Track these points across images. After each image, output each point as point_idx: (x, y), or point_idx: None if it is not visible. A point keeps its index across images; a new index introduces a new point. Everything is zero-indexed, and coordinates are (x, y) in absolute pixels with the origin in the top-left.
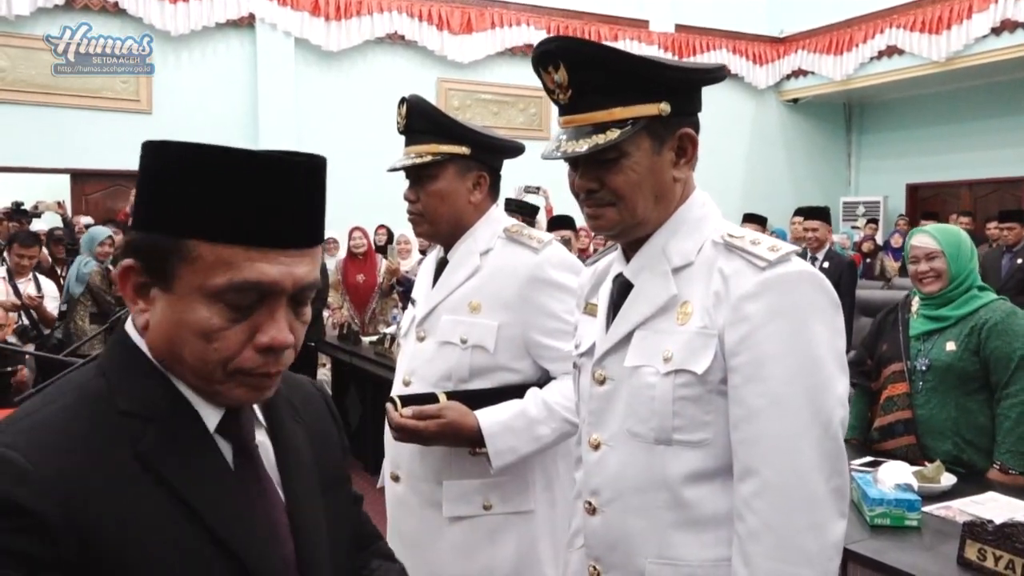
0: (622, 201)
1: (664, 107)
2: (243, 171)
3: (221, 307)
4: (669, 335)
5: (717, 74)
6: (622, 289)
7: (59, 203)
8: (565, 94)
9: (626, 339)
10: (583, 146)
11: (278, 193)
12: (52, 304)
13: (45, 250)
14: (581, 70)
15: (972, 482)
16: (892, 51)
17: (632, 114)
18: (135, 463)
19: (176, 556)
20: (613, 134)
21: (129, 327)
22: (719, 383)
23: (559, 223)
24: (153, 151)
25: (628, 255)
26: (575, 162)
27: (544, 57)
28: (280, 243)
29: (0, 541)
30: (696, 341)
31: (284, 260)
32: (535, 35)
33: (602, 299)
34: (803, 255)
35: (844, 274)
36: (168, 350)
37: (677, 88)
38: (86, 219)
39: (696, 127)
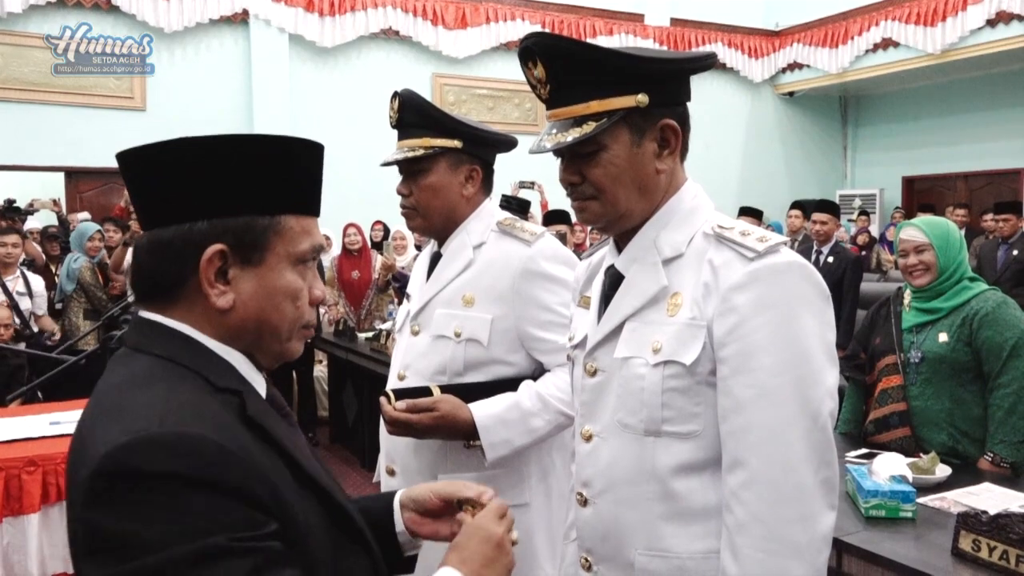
0: (603, 194)
1: (642, 98)
2: (309, 154)
3: (300, 269)
4: (659, 326)
5: (700, 62)
6: (613, 281)
7: (54, 201)
8: (545, 89)
9: (617, 330)
10: (562, 140)
11: (319, 170)
12: (40, 301)
13: (38, 247)
14: (557, 65)
15: (967, 473)
16: (887, 44)
17: (608, 107)
18: (245, 427)
19: (295, 496)
20: (589, 127)
21: (161, 319)
22: (708, 374)
23: (555, 218)
24: (222, 145)
25: (620, 247)
26: (561, 155)
27: (524, 53)
28: (319, 212)
29: (244, 515)
30: (685, 332)
31: (318, 228)
32: (530, 30)
33: (594, 291)
34: (807, 250)
35: (849, 268)
36: (257, 319)
37: (655, 79)
38: (83, 215)
39: (681, 117)
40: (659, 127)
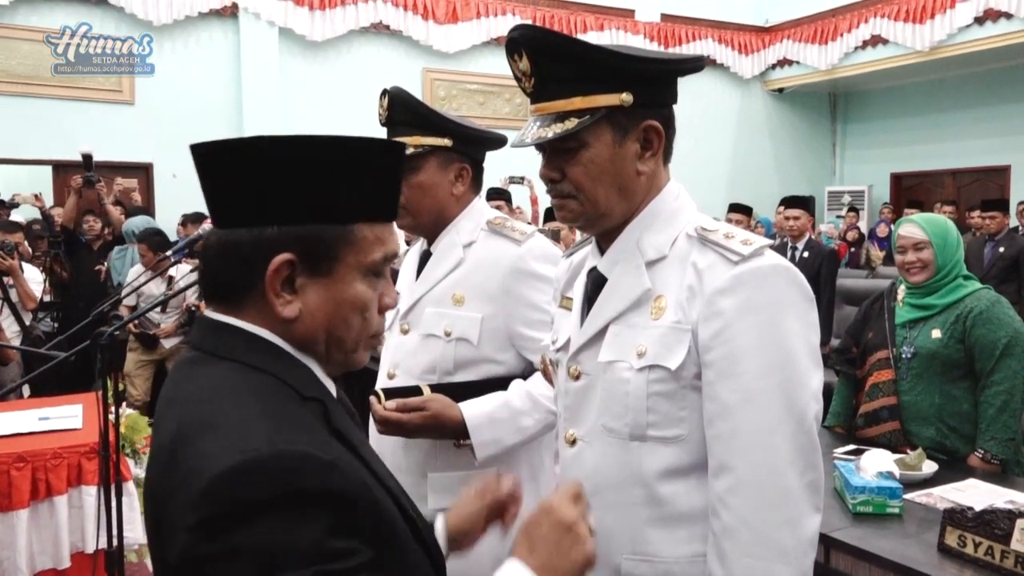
0: (582, 192)
1: (626, 98)
2: (388, 156)
3: (370, 280)
4: (643, 330)
5: (689, 65)
6: (596, 283)
7: (36, 195)
8: (529, 82)
9: (600, 334)
10: (543, 133)
11: (397, 172)
12: (36, 289)
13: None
14: (543, 59)
15: (954, 469)
16: (876, 41)
17: (592, 104)
18: (333, 438)
19: (385, 502)
20: (571, 124)
21: (234, 321)
22: (693, 378)
23: (552, 215)
24: (297, 146)
25: (602, 248)
26: (543, 151)
27: (510, 45)
28: (395, 216)
29: (348, 527)
30: (670, 336)
31: (395, 231)
32: None
33: (577, 293)
34: (782, 247)
35: (824, 263)
36: (325, 330)
37: (642, 79)
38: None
39: (665, 119)
40: (642, 128)
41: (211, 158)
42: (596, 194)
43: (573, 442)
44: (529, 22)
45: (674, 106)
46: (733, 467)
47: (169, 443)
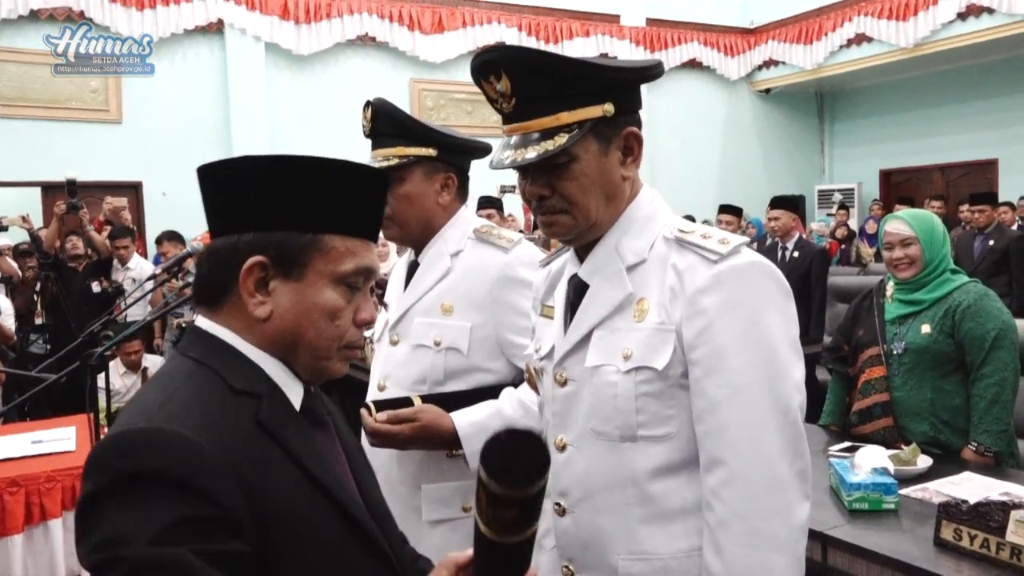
0: (575, 207)
1: (608, 108)
2: (359, 178)
3: (343, 289)
4: (627, 333)
5: (656, 70)
6: (578, 290)
7: (23, 217)
8: (509, 103)
9: (585, 339)
10: (532, 153)
11: (375, 196)
12: (8, 321)
13: (13, 264)
14: (524, 78)
15: (948, 463)
16: (861, 39)
17: (578, 117)
18: (257, 430)
19: (300, 503)
20: (562, 139)
21: (207, 324)
22: (680, 377)
23: None
24: (275, 164)
25: (581, 256)
26: (524, 169)
27: (485, 67)
28: (374, 237)
29: (199, 512)
30: (655, 337)
31: (373, 250)
32: (506, 33)
33: (558, 301)
34: (772, 246)
35: (815, 262)
36: (293, 332)
37: (619, 87)
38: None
39: (639, 124)
40: (623, 135)
41: (207, 176)
42: (588, 206)
43: (563, 448)
44: (515, 31)
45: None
46: (724, 461)
47: None
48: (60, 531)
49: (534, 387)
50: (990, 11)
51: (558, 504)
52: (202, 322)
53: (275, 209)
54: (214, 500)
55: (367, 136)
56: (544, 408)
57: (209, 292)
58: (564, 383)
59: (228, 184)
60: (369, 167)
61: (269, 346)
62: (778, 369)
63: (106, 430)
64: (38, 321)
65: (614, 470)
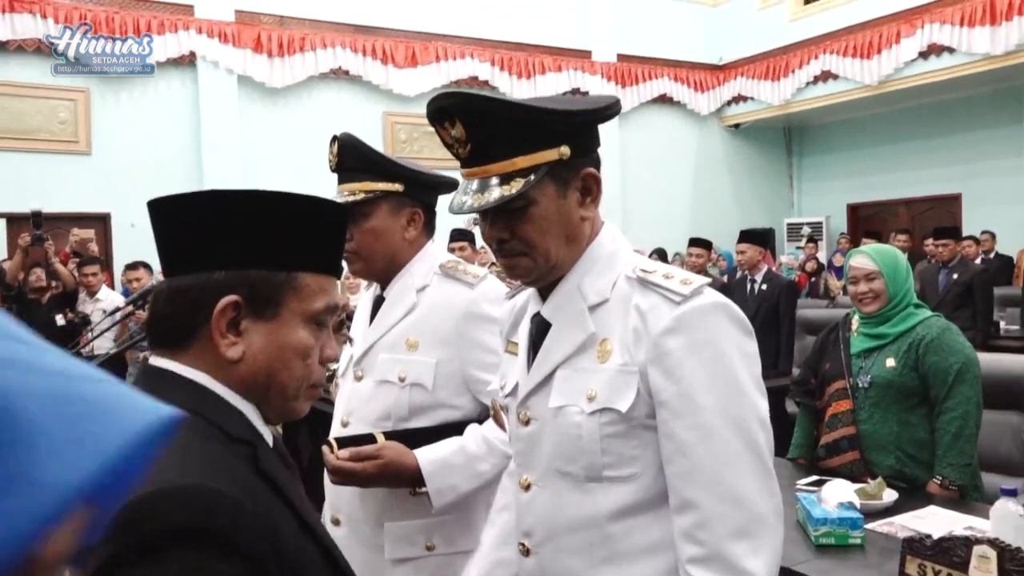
0: (534, 249)
1: (564, 150)
2: (329, 213)
3: (313, 328)
4: (591, 373)
5: (612, 110)
6: (540, 328)
7: None
8: (464, 148)
9: (548, 379)
10: (488, 198)
11: (342, 231)
12: None
13: None
14: (478, 125)
15: (914, 497)
16: (827, 76)
17: (533, 162)
18: (257, 478)
19: (301, 551)
20: (517, 184)
21: (173, 366)
22: (644, 418)
23: None
24: (247, 199)
25: (544, 294)
26: (484, 212)
27: (439, 114)
28: (340, 273)
29: (237, 570)
30: (618, 379)
31: (337, 287)
32: (479, 68)
33: (521, 338)
34: (742, 279)
35: (783, 294)
36: (266, 373)
37: (574, 130)
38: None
39: (597, 164)
40: (581, 176)
41: (165, 211)
42: (548, 248)
43: (528, 487)
44: (488, 66)
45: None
46: (698, 503)
47: None
48: None
49: (500, 423)
50: (950, 50)
51: (522, 544)
52: (165, 363)
53: (250, 246)
54: (256, 559)
55: (333, 170)
56: (511, 445)
57: (173, 332)
58: (527, 422)
59: (195, 220)
60: (334, 202)
61: (240, 388)
62: (746, 407)
63: None
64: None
65: (578, 510)
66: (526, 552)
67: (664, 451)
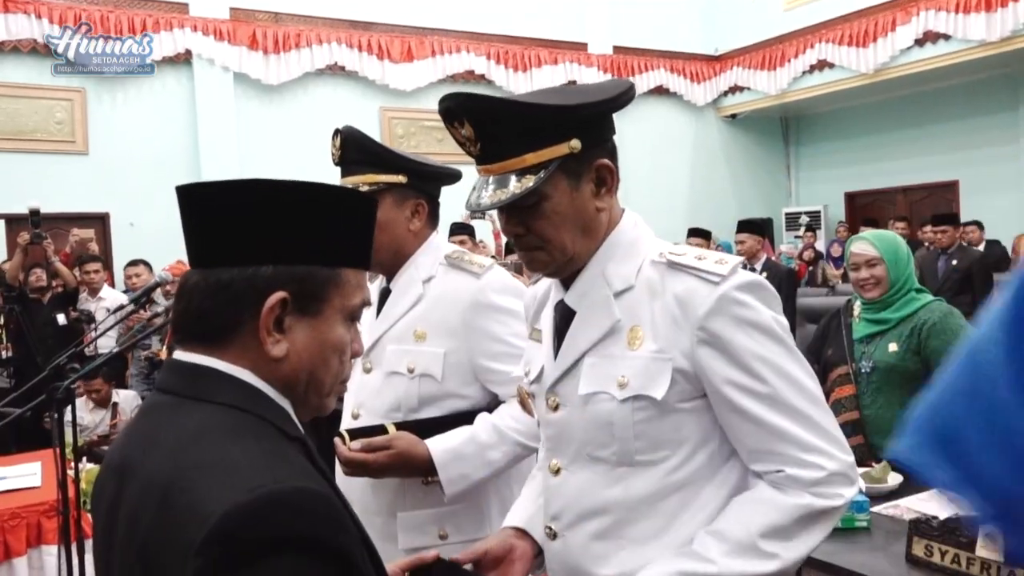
0: (549, 244)
1: (574, 144)
2: (366, 208)
3: (348, 324)
4: (621, 360)
5: (624, 97)
6: (564, 315)
7: None
8: (475, 146)
9: (575, 365)
10: (502, 196)
11: (371, 225)
12: None
13: None
14: (485, 124)
15: (919, 479)
16: (823, 65)
17: (543, 158)
18: (320, 476)
19: (359, 550)
20: (529, 181)
21: (214, 363)
22: (677, 403)
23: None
24: (294, 191)
25: (566, 283)
26: (501, 208)
27: (447, 114)
28: (370, 267)
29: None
30: (652, 366)
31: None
32: (475, 62)
33: (545, 325)
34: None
35: (783, 283)
36: (308, 371)
37: (584, 123)
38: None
39: (611, 154)
40: (594, 168)
41: (203, 200)
42: (563, 241)
43: (557, 471)
44: (484, 59)
45: (615, 136)
46: (780, 452)
47: (161, 486)
48: (25, 569)
49: (528, 409)
50: (946, 37)
51: (549, 527)
52: (203, 359)
53: (299, 240)
54: (347, 556)
55: (336, 164)
56: (541, 431)
57: (212, 328)
58: (556, 408)
59: (240, 210)
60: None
61: (281, 386)
62: (802, 369)
63: (73, 464)
64: (3, 355)
65: (606, 494)
66: (552, 535)
67: (734, 427)
